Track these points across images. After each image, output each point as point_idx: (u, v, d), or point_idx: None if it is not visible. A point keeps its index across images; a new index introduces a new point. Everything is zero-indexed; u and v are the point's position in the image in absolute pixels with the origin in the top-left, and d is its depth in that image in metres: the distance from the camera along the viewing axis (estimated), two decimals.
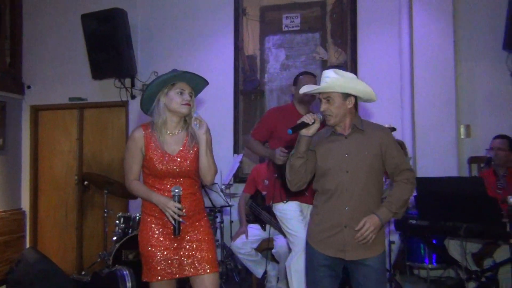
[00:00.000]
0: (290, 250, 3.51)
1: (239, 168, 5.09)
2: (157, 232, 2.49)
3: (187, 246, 2.49)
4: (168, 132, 2.53)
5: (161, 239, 2.48)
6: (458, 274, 4.06)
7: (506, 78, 4.75)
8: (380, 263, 2.43)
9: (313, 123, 2.39)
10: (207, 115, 5.35)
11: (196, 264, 2.47)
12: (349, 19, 5.18)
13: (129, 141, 2.53)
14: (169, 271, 2.46)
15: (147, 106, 2.55)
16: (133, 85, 5.79)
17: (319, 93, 2.49)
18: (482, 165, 4.48)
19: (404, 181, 2.46)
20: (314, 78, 3.70)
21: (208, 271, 2.46)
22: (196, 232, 2.52)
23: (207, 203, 4.07)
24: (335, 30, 5.24)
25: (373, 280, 2.41)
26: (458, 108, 4.81)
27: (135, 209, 5.15)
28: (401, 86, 4.95)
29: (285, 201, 3.39)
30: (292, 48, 5.37)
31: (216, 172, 2.58)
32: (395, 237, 4.37)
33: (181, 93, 2.47)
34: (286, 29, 5.38)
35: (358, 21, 5.16)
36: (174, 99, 2.47)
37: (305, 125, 2.38)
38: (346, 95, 2.44)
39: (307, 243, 2.56)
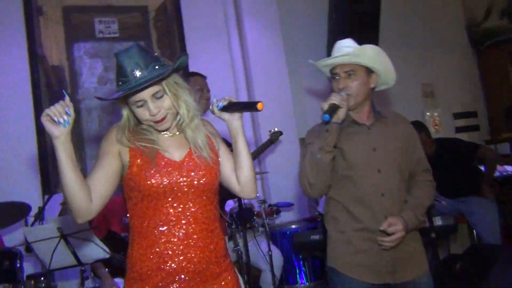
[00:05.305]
0: None
1: (62, 211, 3.77)
2: None
3: None
4: (163, 133, 1.62)
5: None
6: None
7: (328, 91, 5.05)
8: (430, 280, 2.00)
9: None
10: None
11: None
12: (176, 29, 4.63)
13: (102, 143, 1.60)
14: None
15: None
16: None
17: (333, 67, 2.00)
18: None
19: (428, 184, 2.09)
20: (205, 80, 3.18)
21: None
22: None
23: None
24: (161, 39, 4.61)
25: None
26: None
27: None
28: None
29: None
30: (111, 58, 4.40)
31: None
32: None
33: (142, 105, 1.56)
34: (100, 35, 4.41)
35: (186, 31, 4.66)
36: (138, 114, 1.58)
37: (337, 107, 1.82)
38: (370, 72, 2.00)
39: (333, 271, 1.94)
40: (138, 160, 1.55)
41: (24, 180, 3.95)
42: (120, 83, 1.52)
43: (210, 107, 1.67)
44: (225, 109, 1.63)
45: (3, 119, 4.00)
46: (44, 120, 1.38)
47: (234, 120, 1.66)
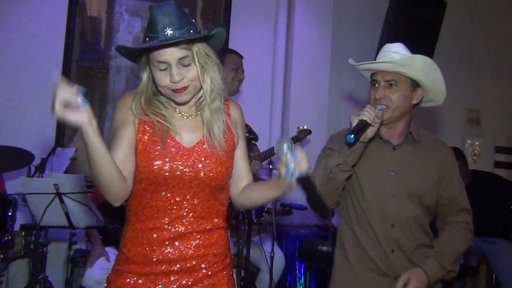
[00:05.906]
0: None
1: (71, 167, 3.65)
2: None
3: None
4: (178, 112, 1.44)
5: None
6: None
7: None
8: None
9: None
10: (17, 92, 3.86)
11: None
12: (223, 2, 4.42)
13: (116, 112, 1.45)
14: None
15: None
16: None
17: (374, 72, 1.75)
18: None
19: (463, 226, 1.82)
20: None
21: None
22: None
23: None
24: (206, 11, 4.40)
25: None
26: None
27: None
28: (272, 90, 4.47)
29: None
30: None
31: None
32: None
33: (165, 69, 1.35)
34: None
35: (233, 7, 4.45)
36: (157, 78, 1.37)
37: (366, 125, 1.59)
38: (415, 85, 1.75)
39: None
40: (145, 137, 1.37)
41: (39, 128, 3.84)
42: (147, 38, 1.33)
43: (281, 146, 1.25)
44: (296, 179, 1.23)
45: (32, 62, 3.89)
46: (59, 110, 1.11)
47: (289, 185, 1.31)
